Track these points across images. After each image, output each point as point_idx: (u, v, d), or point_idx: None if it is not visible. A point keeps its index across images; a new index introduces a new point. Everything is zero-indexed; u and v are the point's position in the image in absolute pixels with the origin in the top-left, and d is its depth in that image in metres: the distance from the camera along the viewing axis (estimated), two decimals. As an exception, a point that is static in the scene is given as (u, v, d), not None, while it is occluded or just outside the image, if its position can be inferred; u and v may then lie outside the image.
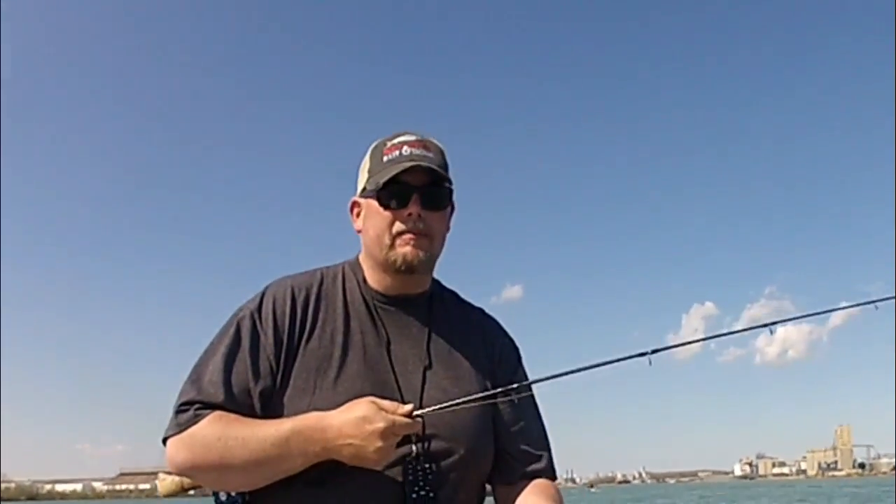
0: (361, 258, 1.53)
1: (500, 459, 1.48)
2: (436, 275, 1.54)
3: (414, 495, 1.33)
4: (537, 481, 1.47)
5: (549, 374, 1.43)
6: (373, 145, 1.49)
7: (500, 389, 1.40)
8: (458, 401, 1.36)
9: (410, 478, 1.34)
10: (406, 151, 1.42)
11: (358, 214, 1.50)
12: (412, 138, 1.45)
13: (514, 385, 1.41)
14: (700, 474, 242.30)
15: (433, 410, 1.35)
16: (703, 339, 1.54)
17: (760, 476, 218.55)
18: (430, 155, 1.44)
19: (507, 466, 1.48)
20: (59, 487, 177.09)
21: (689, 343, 1.49)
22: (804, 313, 1.72)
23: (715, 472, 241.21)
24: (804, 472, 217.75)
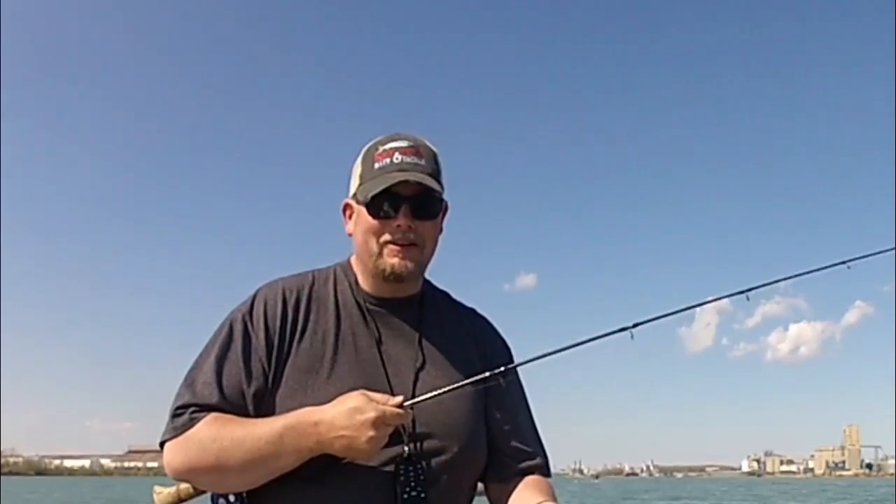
0: (353, 260, 1.53)
1: (493, 457, 1.48)
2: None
3: (405, 496, 1.34)
4: (531, 477, 1.48)
5: (534, 356, 1.45)
6: (365, 148, 1.47)
7: (488, 374, 1.40)
8: (447, 388, 1.37)
9: (402, 478, 1.34)
10: (397, 159, 1.40)
11: (350, 217, 1.49)
12: (404, 144, 1.42)
13: (502, 367, 1.41)
14: (708, 469, 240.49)
15: (423, 400, 1.36)
16: (685, 310, 1.57)
17: (768, 473, 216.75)
18: (422, 162, 1.42)
19: (500, 464, 1.49)
20: (68, 463, 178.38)
21: (671, 314, 1.54)
22: (777, 278, 1.76)
23: (723, 468, 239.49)
24: (812, 470, 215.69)
